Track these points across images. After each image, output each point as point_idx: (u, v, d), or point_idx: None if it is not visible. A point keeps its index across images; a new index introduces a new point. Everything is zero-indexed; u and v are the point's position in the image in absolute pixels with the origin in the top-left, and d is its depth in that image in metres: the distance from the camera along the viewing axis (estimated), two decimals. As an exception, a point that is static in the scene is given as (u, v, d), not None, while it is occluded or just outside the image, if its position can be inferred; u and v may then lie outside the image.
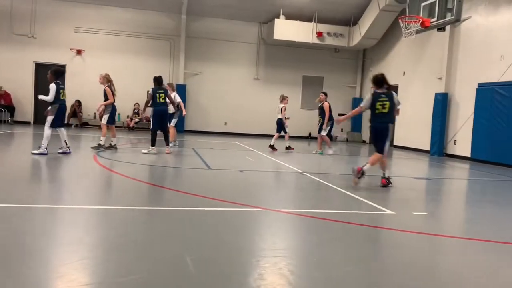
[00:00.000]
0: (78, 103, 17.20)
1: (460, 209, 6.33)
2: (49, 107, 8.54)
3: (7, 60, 16.71)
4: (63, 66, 17.31)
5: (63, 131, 8.77)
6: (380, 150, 6.98)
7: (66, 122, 17.08)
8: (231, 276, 2.96)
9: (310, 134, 19.48)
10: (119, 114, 17.77)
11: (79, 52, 17.28)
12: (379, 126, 7.06)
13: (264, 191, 6.48)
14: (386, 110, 6.91)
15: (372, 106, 6.94)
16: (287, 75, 19.14)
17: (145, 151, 10.01)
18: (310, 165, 9.93)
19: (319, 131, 12.25)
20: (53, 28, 16.98)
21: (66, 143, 8.74)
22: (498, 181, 9.16)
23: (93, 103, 17.47)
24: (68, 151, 8.76)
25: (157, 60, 17.90)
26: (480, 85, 12.67)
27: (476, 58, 13.05)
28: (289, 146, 12.66)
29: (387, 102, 6.96)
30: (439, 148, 14.07)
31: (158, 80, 10.41)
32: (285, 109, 12.62)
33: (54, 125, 8.55)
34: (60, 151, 8.68)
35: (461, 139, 13.39)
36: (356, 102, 19.69)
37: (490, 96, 12.21)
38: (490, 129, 12.12)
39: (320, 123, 12.26)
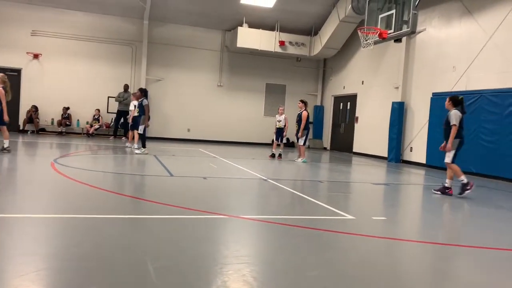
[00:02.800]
0: (35, 108, 16.60)
1: (416, 214, 6.58)
2: None
3: (-43, 63, 15.92)
4: (19, 71, 16.70)
5: None
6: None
7: (22, 128, 16.55)
8: (194, 283, 2.95)
9: (272, 141, 19.63)
10: (78, 120, 17.34)
11: (36, 56, 16.71)
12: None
13: (227, 198, 6.48)
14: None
15: (461, 123, 7.54)
16: (251, 82, 19.28)
17: (139, 151, 11.30)
18: (273, 172, 10.02)
19: (297, 140, 12.42)
20: (8, 30, 16.35)
21: None
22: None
23: (50, 109, 16.94)
24: None
25: (119, 66, 17.59)
26: (434, 94, 13.24)
27: (430, 68, 13.64)
28: (280, 154, 13.00)
29: None
30: (396, 155, 14.56)
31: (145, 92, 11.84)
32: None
33: None
34: None
35: (417, 146, 13.93)
36: (317, 110, 20.11)
37: (443, 105, 12.74)
38: (442, 136, 12.64)
39: (296, 131, 12.40)
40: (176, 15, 17.43)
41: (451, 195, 7.63)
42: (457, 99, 7.66)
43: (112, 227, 4.28)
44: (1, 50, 16.29)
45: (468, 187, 7.46)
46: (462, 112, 7.56)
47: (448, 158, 7.60)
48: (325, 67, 20.28)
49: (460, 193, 7.56)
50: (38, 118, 16.71)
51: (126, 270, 3.08)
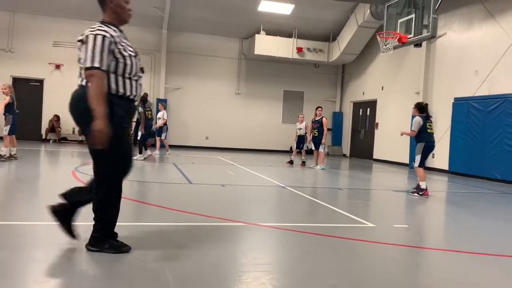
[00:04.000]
0: (57, 118, 16.94)
1: (439, 221, 6.42)
2: None
3: (-17, 75, 16.39)
4: (41, 81, 17.09)
5: None
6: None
7: (44, 137, 16.89)
8: (213, 292, 2.92)
9: (291, 148, 19.56)
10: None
11: (57, 67, 17.08)
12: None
13: (245, 205, 6.45)
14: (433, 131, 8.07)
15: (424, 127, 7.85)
16: (268, 89, 19.29)
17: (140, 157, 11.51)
18: (292, 179, 9.95)
19: (317, 147, 12.29)
20: (31, 42, 16.77)
21: None
22: (474, 193, 9.33)
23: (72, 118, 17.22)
24: None
25: (138, 75, 17.80)
26: (456, 99, 12.99)
27: (451, 73, 13.40)
28: (304, 162, 12.95)
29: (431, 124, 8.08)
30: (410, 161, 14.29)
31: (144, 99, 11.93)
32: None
33: None
34: None
35: (439, 153, 13.66)
36: (336, 116, 19.96)
37: (465, 110, 12.53)
38: (466, 142, 12.40)
39: (314, 137, 12.30)
40: (194, 24, 17.60)
41: (427, 196, 7.76)
42: (421, 105, 8.11)
43: (133, 234, 4.28)
44: (24, 62, 16.71)
45: (421, 193, 7.75)
46: (427, 117, 7.96)
47: (416, 162, 7.95)
48: (343, 73, 20.15)
49: (412, 192, 7.89)
50: (60, 127, 17.02)
51: (145, 278, 3.06)
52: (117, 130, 3.38)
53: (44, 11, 16.55)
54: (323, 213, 6.08)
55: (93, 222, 3.57)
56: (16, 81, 16.86)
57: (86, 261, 3.40)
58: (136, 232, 4.40)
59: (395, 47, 12.24)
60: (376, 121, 17.47)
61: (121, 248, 3.55)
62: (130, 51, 3.52)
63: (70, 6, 16.10)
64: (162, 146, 14.11)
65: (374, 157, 17.44)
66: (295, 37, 17.83)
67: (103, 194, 3.53)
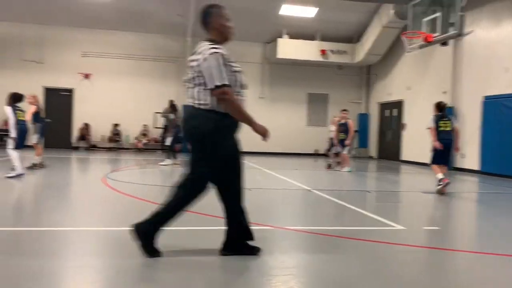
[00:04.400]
0: (86, 126, 17.39)
1: (471, 223, 6.27)
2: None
3: (17, 86, 16.82)
4: (71, 91, 17.58)
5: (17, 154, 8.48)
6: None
7: (75, 145, 17.36)
8: (242, 295, 2.94)
9: (316, 151, 19.46)
10: (127, 135, 17.97)
11: (86, 76, 17.55)
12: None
13: (271, 209, 6.46)
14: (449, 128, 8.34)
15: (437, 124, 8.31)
16: (292, 93, 19.26)
17: (163, 163, 11.84)
18: (317, 182, 9.90)
19: (343, 149, 12.25)
20: (61, 53, 17.30)
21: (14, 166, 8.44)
22: (508, 193, 9.06)
23: (101, 126, 17.68)
24: (13, 174, 8.26)
25: (164, 82, 18.12)
26: (486, 98, 12.66)
27: (480, 71, 13.07)
28: (330, 165, 12.83)
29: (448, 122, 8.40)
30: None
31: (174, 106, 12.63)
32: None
33: (18, 146, 8.37)
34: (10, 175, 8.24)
35: (469, 153, 13.32)
36: (362, 118, 19.74)
37: (496, 109, 12.19)
38: (498, 141, 12.05)
39: (342, 140, 12.20)
40: (217, 30, 17.76)
41: (446, 183, 7.99)
42: (438, 104, 8.57)
43: (163, 239, 4.35)
44: (55, 72, 17.24)
45: (440, 183, 8.05)
46: (442, 116, 8.41)
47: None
48: (368, 74, 19.94)
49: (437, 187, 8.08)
50: (90, 135, 17.46)
51: (175, 282, 3.11)
52: (224, 144, 3.53)
53: (72, 23, 17.05)
54: (351, 216, 6.03)
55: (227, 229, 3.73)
56: (47, 91, 17.42)
57: (115, 266, 3.49)
58: (167, 236, 4.48)
59: (420, 47, 12.04)
60: (403, 121, 17.19)
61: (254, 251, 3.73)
62: (236, 66, 3.62)
63: (97, 17, 16.53)
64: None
65: (402, 158, 17.15)
66: (318, 40, 17.76)
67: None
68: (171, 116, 12.30)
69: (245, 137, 17.75)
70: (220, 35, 3.72)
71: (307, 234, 4.73)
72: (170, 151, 12.22)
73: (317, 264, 3.73)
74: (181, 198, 3.59)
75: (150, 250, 3.54)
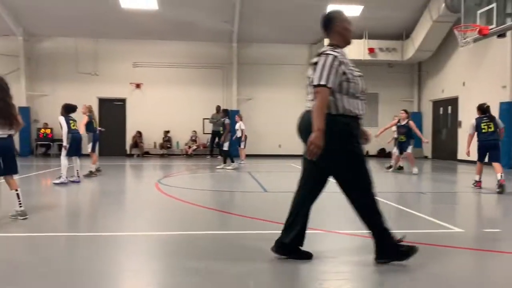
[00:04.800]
0: (139, 134, 18.00)
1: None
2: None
3: (74, 97, 17.74)
4: (124, 100, 18.29)
5: (77, 161, 9.06)
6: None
7: (129, 152, 18.03)
8: (294, 300, 2.90)
9: (367, 152, 19.02)
10: (177, 142, 18.44)
11: (138, 86, 18.20)
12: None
13: (322, 213, 6.35)
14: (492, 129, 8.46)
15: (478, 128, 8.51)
16: (340, 94, 18.93)
17: (229, 167, 12.10)
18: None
19: (405, 149, 11.79)
20: (114, 65, 18.06)
21: (77, 172, 8.96)
22: None
23: (153, 133, 18.25)
24: (78, 180, 8.89)
25: (211, 88, 18.43)
26: (550, 90, 11.83)
27: (543, 62, 12.24)
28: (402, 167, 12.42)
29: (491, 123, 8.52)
30: (508, 160, 13.17)
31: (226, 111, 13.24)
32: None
33: (69, 154, 8.83)
34: (71, 179, 8.83)
35: (533, 150, 12.50)
36: (414, 117, 19.06)
37: (562, 102, 11.35)
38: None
39: (401, 142, 11.83)
40: (262, 35, 17.85)
41: (479, 187, 8.61)
42: (481, 107, 8.76)
43: (213, 243, 4.40)
44: (108, 83, 18.02)
45: (474, 184, 8.81)
46: (483, 117, 8.56)
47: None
48: (420, 71, 19.26)
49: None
50: (142, 143, 18.07)
51: (229, 285, 3.13)
52: (353, 148, 3.56)
53: (123, 35, 17.75)
54: (405, 218, 5.81)
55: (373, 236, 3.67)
56: (101, 101, 18.22)
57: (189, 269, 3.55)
58: (217, 240, 4.52)
59: (475, 40, 11.45)
60: (459, 119, 16.42)
61: (407, 253, 3.57)
62: (357, 71, 3.67)
63: (145, 28, 17.11)
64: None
65: (459, 157, 16.38)
66: (365, 38, 17.39)
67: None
68: (227, 120, 12.60)
69: (292, 141, 17.62)
70: (342, 39, 3.77)
71: (360, 238, 4.60)
72: (228, 156, 12.51)
73: (371, 269, 3.61)
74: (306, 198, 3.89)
75: (301, 255, 3.65)
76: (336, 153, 3.42)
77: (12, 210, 5.14)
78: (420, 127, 19.01)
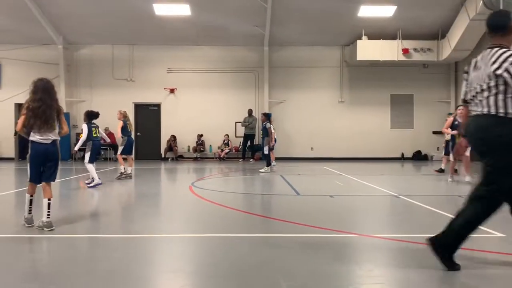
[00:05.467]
0: (173, 138, 18.32)
1: None
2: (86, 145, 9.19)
3: (110, 103, 18.42)
4: (158, 105, 18.68)
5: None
6: None
7: (163, 156, 18.39)
8: (328, 304, 2.88)
9: (402, 154, 18.64)
10: (210, 145, 18.65)
11: (172, 91, 18.55)
12: None
13: (356, 216, 6.28)
14: None
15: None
16: (374, 95, 18.67)
17: (262, 170, 12.21)
18: (406, 188, 9.45)
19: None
20: (148, 71, 18.48)
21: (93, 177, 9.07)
22: None
23: (186, 137, 18.54)
24: (92, 184, 8.94)
25: (243, 92, 18.55)
26: None
27: None
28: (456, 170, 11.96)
29: None
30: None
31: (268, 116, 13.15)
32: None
33: (92, 160, 9.07)
34: (89, 183, 8.99)
35: None
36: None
37: None
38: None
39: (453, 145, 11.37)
40: (293, 38, 17.84)
41: None
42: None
43: (247, 245, 4.43)
44: (143, 88, 18.45)
45: None
46: None
47: None
48: (456, 71, 18.71)
49: None
50: (176, 146, 18.38)
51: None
52: None
53: (158, 42, 18.15)
54: (442, 222, 5.64)
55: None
56: (137, 106, 18.67)
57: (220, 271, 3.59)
58: (250, 243, 4.55)
59: (516, 37, 11.02)
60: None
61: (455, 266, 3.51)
62: None
63: (178, 34, 17.44)
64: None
65: None
66: (399, 39, 17.07)
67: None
68: (268, 124, 12.76)
69: (324, 143, 17.52)
70: None
71: (395, 242, 4.52)
72: (267, 159, 12.69)
73: (407, 274, 3.55)
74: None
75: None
76: None
77: (39, 220, 4.96)
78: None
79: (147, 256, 4.04)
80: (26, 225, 5.01)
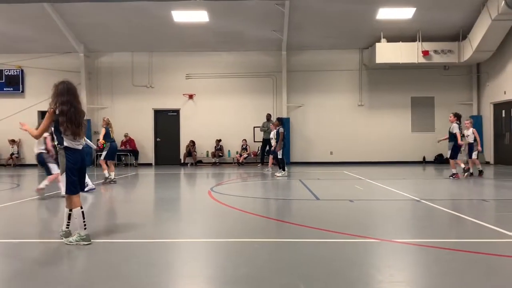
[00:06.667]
0: (192, 143, 18.44)
1: None
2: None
3: (130, 109, 18.72)
4: (177, 111, 18.86)
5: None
6: None
7: (183, 161, 18.50)
8: (348, 310, 2.84)
9: (424, 158, 18.33)
10: (229, 150, 18.70)
11: (190, 97, 18.70)
12: None
13: (377, 221, 6.19)
14: None
15: None
16: (393, 98, 18.45)
17: (279, 174, 12.39)
18: (427, 192, 9.28)
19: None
20: (167, 77, 18.69)
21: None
22: None
23: (205, 142, 18.64)
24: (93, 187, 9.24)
25: (261, 97, 18.57)
26: None
27: None
28: (481, 171, 11.93)
29: None
30: None
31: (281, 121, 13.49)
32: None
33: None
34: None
35: None
36: (474, 120, 18.14)
37: None
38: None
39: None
40: (311, 42, 17.79)
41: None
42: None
43: (266, 250, 4.41)
44: (162, 95, 18.66)
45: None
46: None
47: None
48: (479, 72, 18.35)
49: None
50: (195, 152, 18.49)
51: (278, 294, 3.12)
52: None
53: (177, 48, 18.35)
54: (465, 227, 5.53)
55: None
56: (156, 112, 18.89)
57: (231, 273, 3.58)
58: (269, 247, 4.53)
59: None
60: (523, 122, 15.44)
61: None
62: None
63: (198, 41, 17.60)
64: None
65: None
66: (419, 41, 16.85)
67: None
68: (281, 129, 12.89)
69: (344, 147, 17.45)
70: None
71: (416, 247, 4.44)
72: (282, 163, 12.77)
73: (429, 279, 3.47)
74: None
75: None
76: None
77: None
78: (480, 131, 18.12)
79: (166, 261, 4.06)
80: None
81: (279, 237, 5.12)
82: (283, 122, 13.45)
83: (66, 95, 4.54)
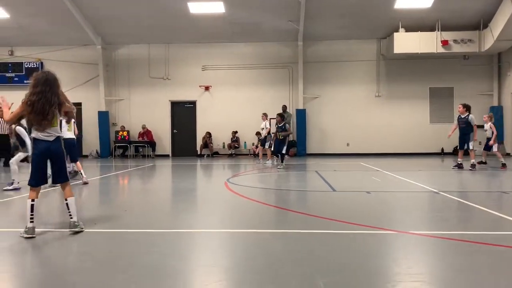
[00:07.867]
0: (209, 134, 18.53)
1: None
2: None
3: (147, 101, 18.88)
4: (194, 103, 18.94)
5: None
6: None
7: (199, 152, 18.63)
8: (365, 301, 2.84)
9: (442, 149, 18.10)
10: (245, 142, 18.73)
11: (207, 88, 18.76)
12: None
13: (394, 213, 6.15)
14: None
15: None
16: (412, 89, 18.20)
17: (281, 167, 12.43)
18: (446, 184, 9.17)
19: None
20: (184, 69, 18.77)
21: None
22: None
23: (221, 134, 18.71)
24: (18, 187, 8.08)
25: (277, 88, 18.52)
26: None
27: None
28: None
29: None
30: None
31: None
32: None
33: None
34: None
35: None
36: (494, 111, 17.82)
37: None
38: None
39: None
40: (328, 32, 17.63)
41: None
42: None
43: (282, 241, 4.43)
44: (179, 86, 18.76)
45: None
46: None
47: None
48: (500, 62, 17.96)
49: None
50: (212, 143, 18.59)
51: (297, 285, 3.13)
52: None
53: (193, 40, 18.39)
54: (485, 219, 5.45)
55: None
56: (173, 104, 19.02)
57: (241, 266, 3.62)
58: (285, 238, 4.54)
59: None
60: (546, 112, 15.08)
61: None
62: None
63: (214, 32, 17.60)
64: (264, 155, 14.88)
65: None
66: (438, 30, 16.54)
67: None
68: (287, 126, 13.15)
69: (361, 139, 17.36)
70: None
71: (434, 239, 4.40)
72: (281, 156, 12.95)
73: (448, 271, 3.44)
74: None
75: None
76: None
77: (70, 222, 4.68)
78: (501, 121, 17.78)
79: (184, 251, 4.11)
80: (27, 236, 4.38)
81: (296, 228, 5.12)
82: (284, 117, 13.73)
83: (40, 86, 4.43)
